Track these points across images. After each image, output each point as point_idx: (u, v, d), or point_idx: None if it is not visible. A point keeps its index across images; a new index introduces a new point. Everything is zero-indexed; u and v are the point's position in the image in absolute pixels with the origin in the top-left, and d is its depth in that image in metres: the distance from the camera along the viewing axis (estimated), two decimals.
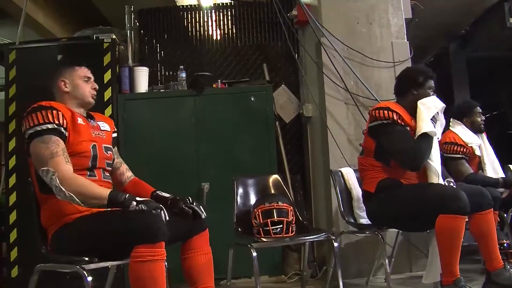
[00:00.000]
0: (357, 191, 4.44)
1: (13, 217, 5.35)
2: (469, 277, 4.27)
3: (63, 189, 2.72)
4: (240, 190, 4.35)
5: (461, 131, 5.00)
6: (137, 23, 6.23)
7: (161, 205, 2.80)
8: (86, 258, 2.76)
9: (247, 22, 6.48)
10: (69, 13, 11.06)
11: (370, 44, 5.38)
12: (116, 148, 3.42)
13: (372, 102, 5.18)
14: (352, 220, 4.31)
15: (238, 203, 4.25)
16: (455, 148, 4.86)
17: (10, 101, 5.50)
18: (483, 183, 4.35)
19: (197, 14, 6.53)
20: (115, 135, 3.41)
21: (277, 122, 5.73)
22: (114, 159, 3.30)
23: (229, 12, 6.53)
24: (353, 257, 5.02)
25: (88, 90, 3.22)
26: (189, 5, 6.68)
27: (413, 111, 3.84)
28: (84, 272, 2.71)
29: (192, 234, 3.10)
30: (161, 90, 5.63)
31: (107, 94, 5.36)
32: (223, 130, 5.44)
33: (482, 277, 3.92)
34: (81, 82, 3.22)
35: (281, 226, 3.82)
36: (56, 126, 2.88)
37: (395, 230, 4.37)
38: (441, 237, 3.43)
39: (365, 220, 4.24)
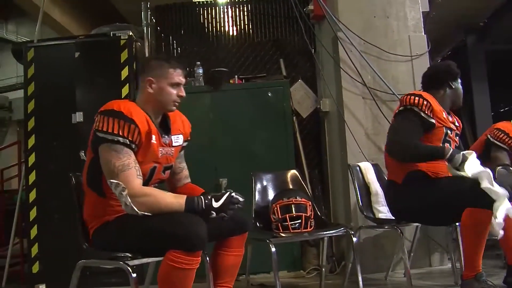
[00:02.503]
0: (375, 185, 4.44)
1: (33, 213, 5.40)
2: (490, 272, 4.24)
3: (135, 208, 2.67)
4: (258, 186, 4.35)
5: None
6: (154, 20, 6.23)
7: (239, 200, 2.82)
8: (130, 255, 2.78)
9: (263, 17, 6.47)
10: (85, 10, 11.12)
11: (387, 38, 5.35)
12: (182, 152, 3.30)
13: (390, 96, 5.17)
14: (370, 215, 4.30)
15: (256, 198, 4.25)
16: (506, 139, 4.73)
17: (29, 98, 5.54)
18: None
19: (213, 10, 6.54)
20: (186, 144, 3.26)
21: (294, 117, 5.74)
22: (172, 171, 3.19)
23: (245, 8, 6.53)
24: (371, 252, 5.02)
25: (173, 98, 3.00)
26: (205, 0, 6.68)
27: (445, 105, 3.86)
28: (129, 268, 2.71)
29: (233, 234, 3.06)
30: None
31: (125, 91, 5.40)
32: (240, 125, 5.44)
33: (503, 272, 3.89)
34: (170, 87, 2.98)
35: (299, 221, 3.83)
36: (128, 143, 2.75)
37: (414, 224, 4.36)
38: (467, 231, 3.39)
39: (383, 215, 4.24)
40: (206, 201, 2.75)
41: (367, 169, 4.56)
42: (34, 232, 5.39)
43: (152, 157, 2.92)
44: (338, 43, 5.28)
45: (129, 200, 2.66)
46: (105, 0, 9.74)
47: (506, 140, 4.65)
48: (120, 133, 2.74)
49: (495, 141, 4.68)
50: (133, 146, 2.79)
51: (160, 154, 2.96)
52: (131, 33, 5.58)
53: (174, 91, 2.99)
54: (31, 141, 5.48)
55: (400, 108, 3.79)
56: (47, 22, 9.45)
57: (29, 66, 5.58)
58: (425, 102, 3.68)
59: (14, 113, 17.01)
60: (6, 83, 15.08)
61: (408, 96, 3.75)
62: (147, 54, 5.77)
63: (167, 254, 2.56)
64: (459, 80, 4.01)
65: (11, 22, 13.57)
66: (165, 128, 3.08)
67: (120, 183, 2.68)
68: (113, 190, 2.72)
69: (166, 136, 3.04)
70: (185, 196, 2.78)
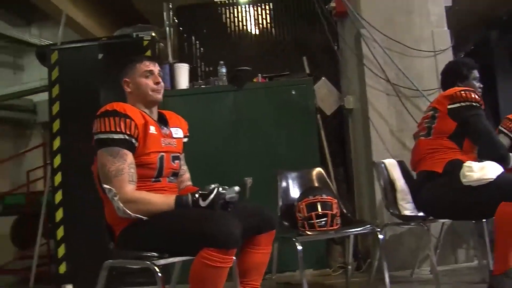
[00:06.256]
0: (400, 182, 4.40)
1: (59, 214, 5.45)
2: None
3: (127, 211, 2.74)
4: (284, 184, 4.37)
5: None
6: (176, 20, 6.25)
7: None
8: (156, 254, 2.80)
9: (285, 15, 6.48)
10: (107, 12, 11.18)
11: (410, 34, 5.32)
12: (183, 155, 3.37)
13: (414, 92, 5.15)
14: (396, 212, 4.27)
15: (282, 197, 4.26)
16: None
17: (53, 101, 5.60)
18: None
19: (235, 9, 6.57)
20: (186, 139, 3.35)
21: (318, 115, 5.71)
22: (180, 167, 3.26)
23: (266, 6, 6.53)
24: (397, 249, 4.99)
25: (150, 86, 3.09)
26: (227, 0, 6.70)
27: None
28: (156, 267, 2.73)
29: (260, 231, 3.07)
30: (202, 86, 5.65)
31: None
32: (264, 124, 5.44)
33: None
34: (142, 79, 3.09)
35: (325, 219, 3.83)
36: (126, 137, 2.83)
37: (440, 221, 4.32)
38: (501, 225, 3.34)
39: (409, 212, 4.21)
40: (194, 198, 2.81)
41: (392, 166, 4.53)
42: (60, 233, 5.44)
43: (156, 147, 2.99)
44: (361, 40, 5.27)
45: (121, 204, 2.74)
46: (127, 2, 9.81)
47: None
48: (118, 129, 2.82)
49: (504, 130, 4.69)
50: (133, 140, 2.87)
51: (163, 144, 3.05)
52: (153, 34, 5.61)
53: (148, 81, 3.10)
54: (56, 143, 5.54)
55: (464, 104, 3.76)
56: (69, 25, 9.50)
57: (53, 69, 5.64)
58: (480, 99, 3.74)
59: (38, 115, 17.13)
60: (30, 86, 15.19)
61: (464, 92, 3.77)
62: (170, 55, 5.79)
63: (200, 252, 2.57)
64: (474, 75, 4.01)
65: (34, 25, 13.66)
66: (162, 122, 3.19)
67: (112, 188, 2.76)
68: (107, 194, 2.79)
69: (165, 128, 3.15)
70: (174, 196, 2.87)
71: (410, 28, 5.34)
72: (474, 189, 3.47)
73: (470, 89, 3.80)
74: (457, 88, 3.84)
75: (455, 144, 3.78)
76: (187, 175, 3.42)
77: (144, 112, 3.05)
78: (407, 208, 4.22)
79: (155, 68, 3.16)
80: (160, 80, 3.15)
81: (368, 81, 5.25)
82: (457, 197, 3.60)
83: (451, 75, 4.08)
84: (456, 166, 3.64)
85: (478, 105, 3.71)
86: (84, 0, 10.01)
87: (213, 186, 2.85)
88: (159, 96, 3.13)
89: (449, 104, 3.81)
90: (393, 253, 4.93)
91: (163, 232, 2.76)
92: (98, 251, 3.09)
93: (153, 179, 3.01)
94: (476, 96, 3.73)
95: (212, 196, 2.81)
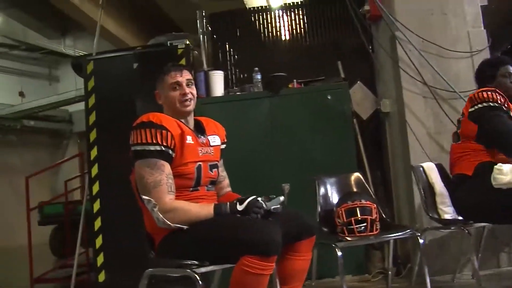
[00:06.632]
0: (439, 186, 4.36)
1: (98, 223, 5.50)
2: None
3: (167, 221, 2.76)
4: (322, 190, 4.35)
5: None
6: (209, 28, 6.27)
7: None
8: (196, 262, 2.82)
9: (318, 19, 6.48)
10: (139, 21, 11.32)
11: (445, 35, 5.26)
12: (222, 161, 3.37)
13: (451, 94, 5.09)
14: (436, 216, 4.22)
15: (321, 203, 4.25)
16: None
17: (90, 110, 5.64)
18: None
19: (267, 15, 6.58)
20: (223, 146, 3.35)
21: (354, 120, 5.68)
22: (219, 174, 3.26)
23: (299, 11, 6.54)
24: (437, 254, 4.94)
25: (178, 98, 3.08)
26: (259, 6, 6.71)
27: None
28: (196, 275, 2.74)
29: (300, 238, 3.05)
30: (237, 93, 5.65)
31: None
32: (300, 129, 5.42)
33: None
34: (170, 92, 3.10)
35: (365, 224, 3.81)
36: (163, 148, 2.85)
37: (481, 224, 4.26)
38: None
39: (449, 216, 4.17)
40: (231, 204, 2.83)
41: (431, 170, 4.48)
42: (99, 241, 5.48)
43: (193, 157, 2.99)
44: (396, 43, 5.24)
45: (161, 215, 2.77)
46: (159, 10, 9.89)
47: None
48: (154, 141, 2.84)
49: None
50: (170, 151, 2.88)
51: (200, 153, 3.05)
52: (187, 42, 5.61)
53: (176, 93, 3.10)
54: (94, 153, 5.58)
55: (481, 105, 3.73)
56: (102, 35, 9.62)
57: (89, 79, 5.68)
58: (501, 98, 3.70)
59: (74, 125, 17.44)
60: (66, 96, 15.45)
61: (483, 92, 3.76)
62: (204, 62, 5.80)
63: (241, 259, 2.59)
64: (502, 71, 3.97)
65: (69, 36, 13.86)
66: (199, 130, 3.19)
67: (151, 199, 2.78)
68: (146, 205, 2.82)
69: (202, 136, 3.15)
70: (212, 204, 2.89)
71: (446, 29, 5.28)
72: (506, 192, 3.42)
73: (491, 89, 3.76)
74: (478, 90, 3.82)
75: (483, 146, 3.74)
76: (226, 181, 3.42)
77: (180, 121, 3.06)
78: (447, 212, 4.18)
79: (183, 78, 3.14)
80: (187, 91, 3.11)
81: (404, 84, 5.21)
82: (489, 200, 3.56)
83: (478, 78, 4.12)
84: (486, 168, 3.61)
85: (497, 105, 3.67)
86: (115, 9, 10.12)
87: (253, 197, 2.86)
88: (188, 108, 3.11)
89: (470, 107, 3.79)
90: (434, 257, 4.88)
91: (203, 240, 2.78)
92: (137, 259, 3.12)
93: (191, 189, 3.02)
94: (496, 96, 3.68)
95: (248, 200, 2.83)
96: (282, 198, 2.90)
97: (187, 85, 3.14)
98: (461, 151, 3.88)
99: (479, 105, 3.73)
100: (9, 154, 16.18)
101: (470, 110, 3.80)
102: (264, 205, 2.84)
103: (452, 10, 5.32)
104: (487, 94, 3.70)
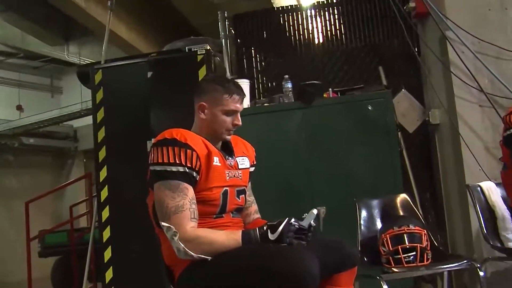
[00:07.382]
0: (501, 208, 4.32)
1: (108, 254, 5.49)
2: None
3: (189, 251, 2.73)
4: (364, 213, 4.33)
5: None
6: (232, 31, 6.29)
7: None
8: None
9: (356, 19, 6.48)
10: (153, 25, 11.40)
11: (506, 34, 5.24)
12: (250, 184, 3.33)
13: None
14: (497, 244, 4.18)
15: (362, 228, 4.22)
16: None
17: (99, 126, 5.66)
18: None
19: (298, 16, 6.60)
20: (252, 169, 3.30)
21: (399, 133, 5.66)
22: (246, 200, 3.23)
23: (334, 10, 6.54)
24: (501, 287, 4.86)
25: (227, 126, 3.03)
26: (288, 6, 6.72)
27: None
28: None
29: (341, 269, 3.01)
30: (265, 104, 5.65)
31: None
32: (337, 145, 5.39)
33: None
34: (223, 115, 3.02)
35: (414, 253, 3.78)
36: (187, 170, 2.81)
37: None
38: None
39: None
40: (261, 231, 2.78)
41: (490, 189, 4.44)
42: (109, 275, 5.47)
43: (219, 181, 2.96)
44: (447, 44, 5.22)
45: (182, 245, 2.72)
46: (176, 12, 9.94)
47: None
48: (177, 161, 2.80)
49: None
50: (194, 174, 2.84)
51: (227, 177, 3.01)
52: (208, 47, 5.60)
53: (228, 119, 3.03)
54: (103, 173, 5.59)
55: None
56: (112, 40, 9.71)
57: (98, 90, 5.70)
58: None
59: (80, 143, 17.54)
60: (70, 110, 15.53)
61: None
62: (227, 70, 5.81)
63: None
64: None
65: (73, 43, 13.93)
66: (227, 150, 3.13)
67: (172, 226, 2.74)
68: (165, 233, 2.78)
69: (230, 158, 3.09)
70: (240, 231, 2.84)
71: (506, 27, 5.25)
72: None
73: None
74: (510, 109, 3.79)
75: None
76: (254, 207, 3.38)
77: (207, 139, 3.02)
78: (511, 239, 4.12)
79: (241, 106, 3.09)
80: (240, 122, 3.08)
81: (456, 91, 5.18)
82: None
83: None
84: None
85: None
86: (125, 11, 10.15)
87: (286, 219, 2.81)
88: (228, 138, 3.10)
89: (504, 131, 3.77)
90: None
91: (231, 272, 2.74)
92: None
93: (215, 216, 3.00)
94: None
95: (281, 227, 2.77)
96: (315, 211, 2.85)
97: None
98: (509, 180, 3.87)
99: (510, 131, 3.71)
100: (6, 176, 16.31)
101: (505, 134, 3.78)
102: (299, 225, 2.80)
103: None
104: None
